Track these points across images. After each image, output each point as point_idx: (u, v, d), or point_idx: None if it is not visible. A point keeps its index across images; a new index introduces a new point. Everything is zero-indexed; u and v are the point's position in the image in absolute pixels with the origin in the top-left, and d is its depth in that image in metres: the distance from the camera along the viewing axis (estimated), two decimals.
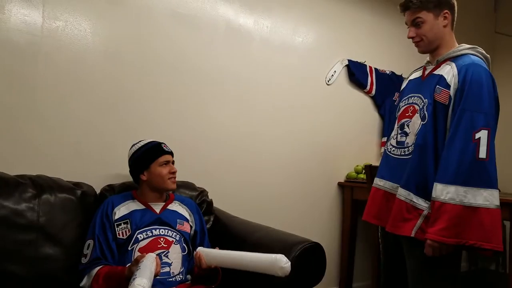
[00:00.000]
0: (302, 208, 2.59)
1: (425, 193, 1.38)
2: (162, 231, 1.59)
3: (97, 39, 1.90)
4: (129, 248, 1.53)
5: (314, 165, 2.64)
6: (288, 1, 2.53)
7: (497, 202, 1.31)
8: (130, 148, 1.72)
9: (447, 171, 1.32)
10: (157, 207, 1.65)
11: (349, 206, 2.72)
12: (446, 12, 1.46)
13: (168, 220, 1.62)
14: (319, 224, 2.67)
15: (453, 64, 1.42)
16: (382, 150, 2.93)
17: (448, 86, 1.39)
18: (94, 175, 1.83)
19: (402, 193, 1.41)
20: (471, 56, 1.43)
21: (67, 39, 1.83)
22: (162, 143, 1.71)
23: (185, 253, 1.61)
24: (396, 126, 1.55)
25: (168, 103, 2.09)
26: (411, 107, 1.49)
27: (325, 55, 2.70)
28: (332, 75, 2.72)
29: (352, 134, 2.82)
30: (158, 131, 1.99)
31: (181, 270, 1.56)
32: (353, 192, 2.71)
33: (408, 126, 1.47)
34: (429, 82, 1.46)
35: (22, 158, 1.72)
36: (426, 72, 1.51)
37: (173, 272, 1.53)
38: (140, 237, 1.55)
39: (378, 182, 1.56)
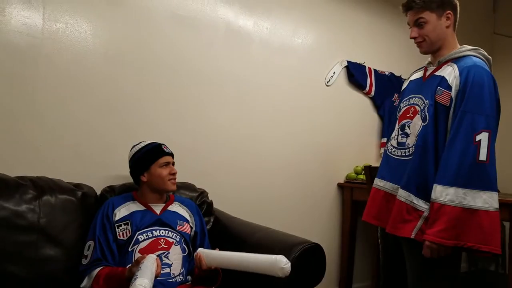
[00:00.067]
0: (302, 209, 2.59)
1: (426, 195, 1.37)
2: (162, 232, 1.59)
3: (97, 41, 1.90)
4: (129, 249, 1.53)
5: (314, 166, 2.65)
6: (288, 2, 2.53)
7: (497, 205, 1.30)
8: (131, 149, 1.72)
9: (447, 172, 1.32)
10: (158, 208, 1.65)
11: (348, 207, 2.72)
12: (449, 13, 1.46)
13: (168, 221, 1.63)
14: (319, 225, 2.68)
15: (455, 66, 1.41)
16: (382, 151, 2.93)
17: (449, 87, 1.38)
18: (94, 177, 1.84)
19: (402, 194, 1.41)
20: (473, 57, 1.43)
21: (67, 41, 1.83)
22: (163, 144, 1.71)
23: (185, 254, 1.61)
24: (396, 126, 1.54)
25: (168, 104, 2.09)
26: (412, 108, 1.48)
27: (324, 56, 2.70)
28: (332, 76, 2.73)
29: (351, 135, 2.83)
30: (158, 133, 1.99)
31: (181, 271, 1.57)
32: (353, 193, 2.71)
33: (409, 127, 1.47)
34: (430, 83, 1.45)
35: (23, 159, 1.72)
36: (428, 73, 1.51)
37: (173, 273, 1.53)
38: (141, 238, 1.55)
39: (378, 182, 1.55)
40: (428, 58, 1.56)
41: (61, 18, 1.82)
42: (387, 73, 2.99)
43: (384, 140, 2.93)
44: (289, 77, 2.53)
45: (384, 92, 2.96)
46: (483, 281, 3.24)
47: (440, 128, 1.39)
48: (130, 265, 1.42)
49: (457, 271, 1.43)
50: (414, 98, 1.50)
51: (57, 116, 1.80)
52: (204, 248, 1.63)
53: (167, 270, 1.52)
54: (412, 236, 1.37)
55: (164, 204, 1.69)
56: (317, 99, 2.66)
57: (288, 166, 2.53)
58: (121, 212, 1.60)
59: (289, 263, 1.33)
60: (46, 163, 1.76)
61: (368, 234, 2.76)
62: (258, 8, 2.41)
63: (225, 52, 2.28)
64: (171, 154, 1.72)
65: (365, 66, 2.87)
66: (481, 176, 1.30)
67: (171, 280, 1.52)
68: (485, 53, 1.47)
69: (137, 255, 1.51)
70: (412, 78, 1.60)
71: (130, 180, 1.73)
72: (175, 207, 1.71)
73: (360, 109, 2.89)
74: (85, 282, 1.48)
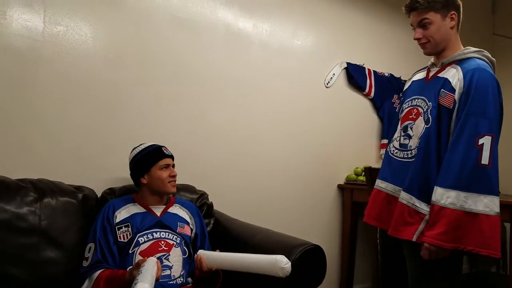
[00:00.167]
0: (302, 210, 2.59)
1: (428, 197, 1.37)
2: (162, 234, 1.59)
3: (97, 44, 1.91)
4: (130, 251, 1.53)
5: (314, 167, 2.65)
6: (287, 5, 2.54)
7: (497, 209, 1.30)
8: (131, 151, 1.72)
9: (449, 175, 1.31)
10: (158, 210, 1.66)
11: (349, 208, 2.73)
12: (453, 13, 1.44)
13: (168, 223, 1.63)
14: (319, 226, 2.68)
15: (459, 68, 1.40)
16: (381, 152, 2.94)
17: (453, 90, 1.37)
18: (95, 179, 1.84)
19: (404, 197, 1.40)
20: (477, 59, 1.41)
21: (68, 44, 1.84)
22: (163, 146, 1.72)
23: (185, 256, 1.61)
24: (399, 128, 1.53)
25: (168, 107, 2.10)
26: (415, 110, 1.47)
27: (324, 58, 2.71)
28: (331, 78, 2.73)
29: (351, 136, 2.83)
30: (158, 135, 1.99)
31: (181, 273, 1.57)
32: (353, 194, 2.71)
33: (411, 128, 1.46)
34: (433, 85, 1.44)
35: (23, 162, 1.73)
36: (431, 74, 1.49)
37: (173, 275, 1.53)
38: (141, 240, 1.55)
39: (380, 184, 1.54)
40: (431, 58, 1.54)
41: (61, 21, 1.83)
42: (386, 74, 3.00)
43: (384, 141, 2.93)
44: (288, 79, 2.53)
45: (384, 93, 2.96)
46: (484, 283, 3.23)
47: (443, 130, 1.38)
48: (130, 267, 1.43)
49: (458, 273, 1.42)
50: (417, 100, 1.49)
51: (58, 119, 1.81)
52: (204, 250, 1.63)
53: (167, 272, 1.52)
54: (414, 239, 1.36)
55: (165, 206, 1.69)
56: (316, 100, 2.67)
57: (288, 168, 2.53)
58: (122, 214, 1.60)
59: (290, 263, 1.33)
60: (46, 166, 1.76)
61: (369, 235, 2.76)
62: (258, 10, 2.41)
63: (224, 54, 2.28)
64: (171, 156, 1.72)
65: (364, 68, 2.88)
66: (482, 180, 1.29)
67: (172, 282, 1.52)
68: (489, 55, 1.46)
69: (138, 257, 1.51)
70: (415, 78, 1.58)
71: (131, 182, 1.74)
72: (176, 209, 1.71)
73: (359, 110, 2.89)
74: (85, 284, 1.48)
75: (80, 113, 1.86)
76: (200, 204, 1.93)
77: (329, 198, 2.74)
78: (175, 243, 1.59)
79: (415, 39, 1.48)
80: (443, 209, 1.30)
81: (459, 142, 1.32)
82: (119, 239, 1.55)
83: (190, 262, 1.63)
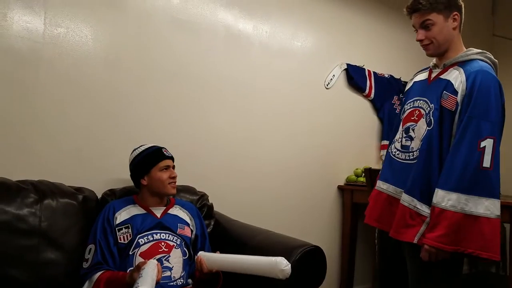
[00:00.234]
0: (302, 211, 2.60)
1: (429, 200, 1.36)
2: (163, 236, 1.59)
3: (98, 45, 1.92)
4: (130, 253, 1.53)
5: (314, 168, 2.65)
6: (287, 6, 2.55)
7: (498, 212, 1.30)
8: (131, 153, 1.73)
9: (450, 178, 1.31)
10: (158, 212, 1.66)
11: (349, 209, 2.73)
12: (456, 14, 1.43)
13: (169, 224, 1.63)
14: (319, 227, 2.68)
15: (461, 70, 1.39)
16: (381, 153, 2.94)
17: (455, 92, 1.36)
18: (95, 180, 1.84)
19: (406, 199, 1.40)
20: (480, 61, 1.40)
21: (68, 46, 1.84)
22: (163, 148, 1.72)
23: (186, 257, 1.62)
24: (400, 129, 1.52)
25: (168, 108, 2.10)
26: (417, 111, 1.46)
27: (323, 59, 2.71)
28: (331, 79, 2.74)
29: (351, 137, 2.84)
30: (158, 137, 2.00)
31: (182, 274, 1.57)
32: (353, 195, 2.72)
33: (413, 130, 1.45)
34: (435, 87, 1.43)
35: (24, 164, 1.73)
36: (433, 75, 1.48)
37: (174, 277, 1.53)
38: (141, 241, 1.55)
39: (381, 185, 1.53)
40: (432, 59, 1.53)
41: (62, 23, 1.83)
42: (386, 75, 3.00)
43: (384, 142, 2.94)
44: (288, 80, 2.54)
45: (384, 94, 2.96)
46: (484, 284, 3.24)
47: (445, 132, 1.37)
48: (131, 269, 1.43)
49: (458, 275, 1.42)
50: (418, 101, 1.48)
51: (58, 120, 1.81)
52: (204, 251, 1.63)
53: (167, 273, 1.52)
54: (415, 241, 1.36)
55: (165, 208, 1.69)
56: (316, 102, 2.67)
57: (288, 169, 2.53)
58: (122, 215, 1.60)
59: (290, 265, 1.34)
60: (47, 167, 1.77)
61: (369, 236, 2.77)
62: (258, 11, 2.42)
63: (224, 56, 2.29)
64: (172, 158, 1.72)
65: (364, 69, 2.88)
66: (484, 183, 1.29)
67: (172, 284, 1.52)
68: (492, 57, 1.45)
69: (138, 258, 1.51)
70: (417, 79, 1.57)
71: (131, 183, 1.74)
72: (176, 211, 1.71)
73: (359, 111, 2.89)
74: (86, 286, 1.48)
75: (80, 115, 1.86)
76: (200, 205, 1.93)
77: (329, 199, 2.74)
78: (175, 244, 1.59)
79: (417, 40, 1.46)
80: (444, 211, 1.30)
81: (461, 144, 1.31)
82: (119, 241, 1.55)
83: (190, 264, 1.63)
